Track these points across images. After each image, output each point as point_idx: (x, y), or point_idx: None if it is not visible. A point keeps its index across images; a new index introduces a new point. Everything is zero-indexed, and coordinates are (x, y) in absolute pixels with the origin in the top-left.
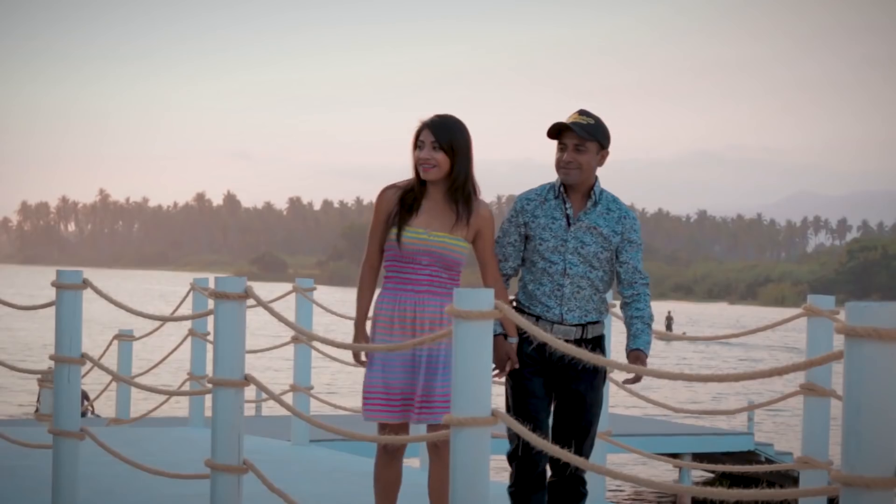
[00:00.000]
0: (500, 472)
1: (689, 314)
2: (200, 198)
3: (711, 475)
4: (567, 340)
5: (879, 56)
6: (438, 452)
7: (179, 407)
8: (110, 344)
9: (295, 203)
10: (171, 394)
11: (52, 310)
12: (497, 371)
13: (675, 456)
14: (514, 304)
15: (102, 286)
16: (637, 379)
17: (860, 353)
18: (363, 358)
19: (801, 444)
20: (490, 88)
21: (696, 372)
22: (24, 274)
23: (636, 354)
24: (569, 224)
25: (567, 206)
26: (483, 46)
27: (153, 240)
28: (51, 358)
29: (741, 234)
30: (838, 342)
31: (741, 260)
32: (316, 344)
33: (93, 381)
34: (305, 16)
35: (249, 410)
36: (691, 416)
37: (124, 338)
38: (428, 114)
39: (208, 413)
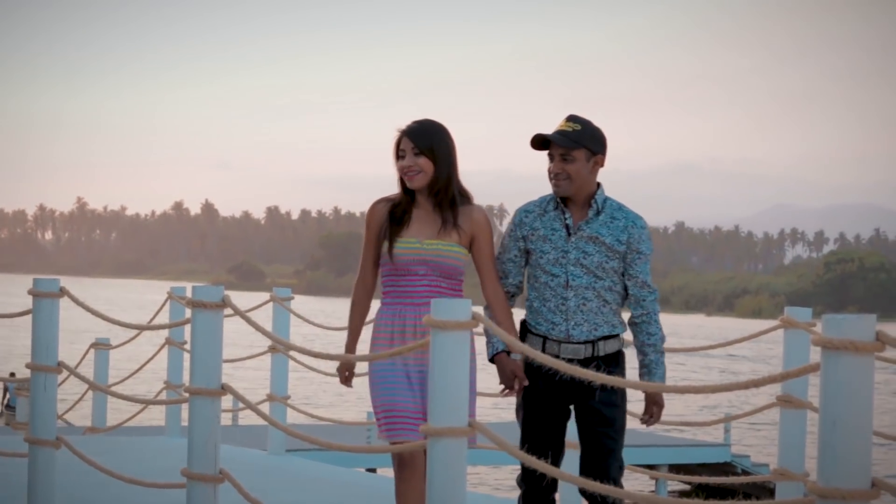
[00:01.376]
0: (479, 485)
1: (666, 325)
2: (178, 206)
3: (688, 486)
4: (576, 360)
5: (857, 69)
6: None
7: (156, 416)
8: (87, 352)
9: (273, 212)
10: (147, 402)
11: (28, 318)
12: (506, 391)
13: (651, 467)
14: (523, 324)
15: (79, 294)
16: (653, 420)
17: (836, 366)
18: (347, 374)
19: (777, 456)
20: (470, 98)
21: (672, 383)
22: (0, 282)
23: (654, 398)
24: (569, 234)
25: (566, 216)
26: (463, 56)
27: (130, 248)
28: (27, 366)
29: (719, 246)
30: (815, 354)
31: (718, 271)
32: (293, 354)
33: (69, 390)
34: (283, 24)
35: (226, 420)
36: (668, 428)
37: (101, 346)
38: (404, 122)
39: (185, 422)
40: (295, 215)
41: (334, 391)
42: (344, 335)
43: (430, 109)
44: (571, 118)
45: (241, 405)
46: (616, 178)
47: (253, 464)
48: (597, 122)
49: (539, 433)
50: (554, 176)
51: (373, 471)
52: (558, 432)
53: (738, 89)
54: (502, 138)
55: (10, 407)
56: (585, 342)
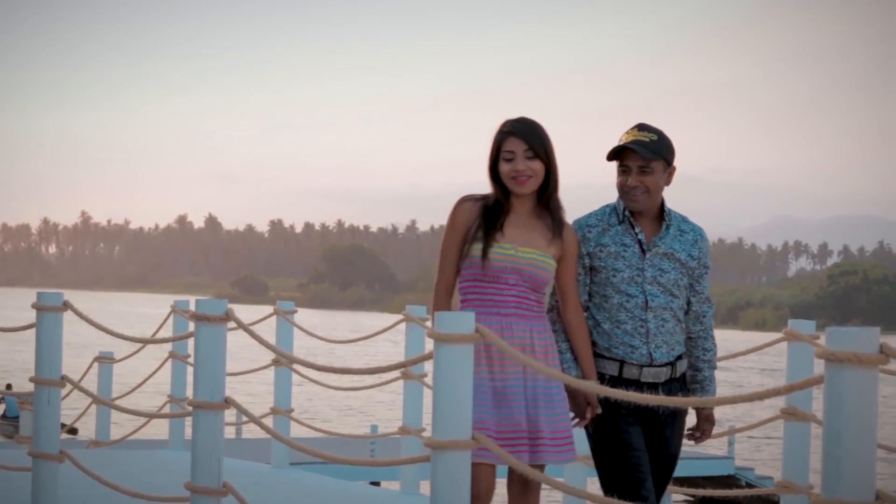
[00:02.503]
0: None
1: None
2: (182, 220)
3: (692, 499)
4: (657, 383)
5: (860, 80)
6: (526, 497)
7: (160, 430)
8: (90, 366)
9: (276, 225)
10: (151, 416)
11: (32, 332)
12: (577, 420)
13: None
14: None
15: (83, 308)
16: (705, 437)
17: (840, 378)
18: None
19: (781, 469)
20: (472, 112)
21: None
22: (4, 296)
23: (707, 414)
24: (643, 251)
25: (636, 230)
26: (464, 68)
27: (134, 262)
28: (31, 380)
29: (722, 258)
30: (819, 367)
31: (722, 284)
32: (297, 367)
33: (73, 404)
34: (287, 37)
35: (230, 433)
36: None
37: (104, 360)
38: (500, 119)
39: (189, 436)
40: (298, 228)
41: (338, 404)
42: (347, 347)
43: (433, 123)
44: (644, 127)
45: (244, 419)
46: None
47: (256, 477)
48: (598, 132)
49: (638, 472)
50: (630, 189)
51: (377, 484)
52: (649, 469)
53: (741, 100)
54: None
55: (6, 417)
56: (666, 364)
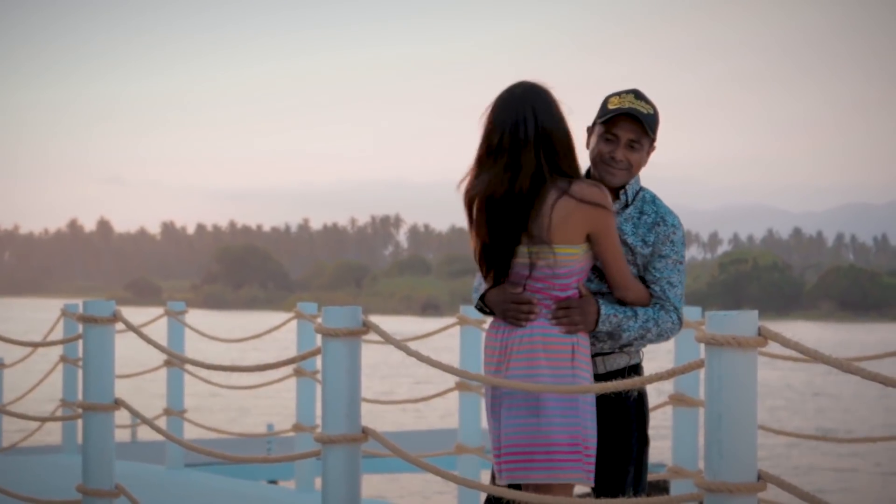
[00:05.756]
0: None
1: None
2: (73, 223)
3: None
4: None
5: (748, 73)
6: None
7: (54, 435)
8: None
9: (168, 227)
10: (42, 420)
11: None
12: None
13: None
14: None
15: None
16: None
17: (719, 361)
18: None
19: (671, 454)
20: (357, 109)
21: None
22: None
23: (591, 297)
24: None
25: None
26: (352, 65)
27: (24, 267)
28: None
29: None
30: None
31: None
32: (194, 368)
33: None
34: (169, 28)
35: (125, 436)
36: None
37: None
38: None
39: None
40: (191, 229)
41: (235, 404)
42: (247, 349)
43: (322, 119)
44: (641, 96)
45: (138, 421)
46: None
47: (150, 479)
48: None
49: None
50: (615, 162)
51: (274, 482)
52: None
53: None
54: (392, 148)
55: None
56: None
